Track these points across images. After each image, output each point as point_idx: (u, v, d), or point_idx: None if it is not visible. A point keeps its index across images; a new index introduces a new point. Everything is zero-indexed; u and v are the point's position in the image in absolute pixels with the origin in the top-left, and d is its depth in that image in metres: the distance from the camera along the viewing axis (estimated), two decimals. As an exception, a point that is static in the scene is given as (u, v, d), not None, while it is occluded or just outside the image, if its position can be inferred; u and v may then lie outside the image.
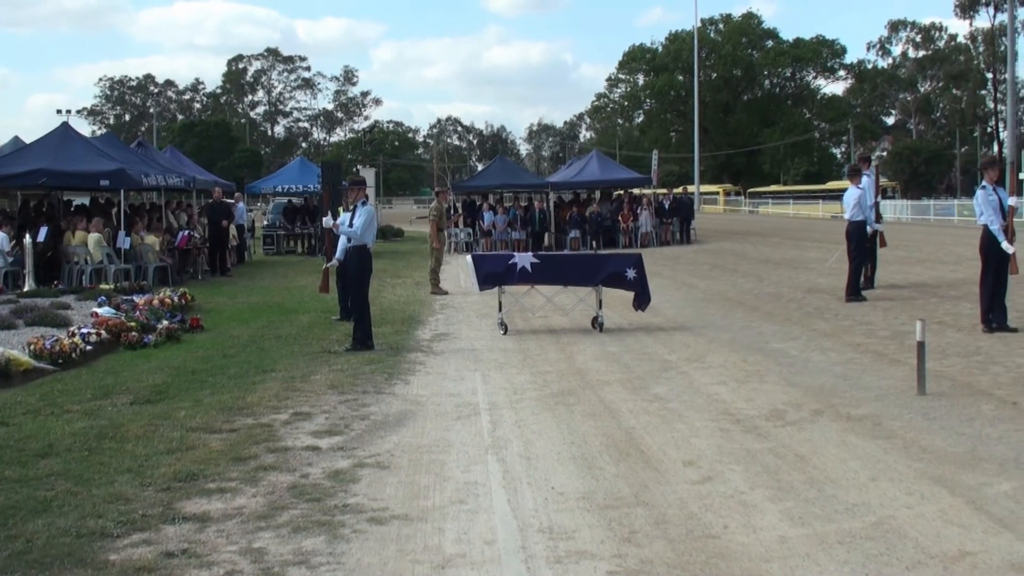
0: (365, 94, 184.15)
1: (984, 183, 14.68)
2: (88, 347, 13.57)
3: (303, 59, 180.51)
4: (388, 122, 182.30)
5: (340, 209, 16.50)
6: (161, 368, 12.62)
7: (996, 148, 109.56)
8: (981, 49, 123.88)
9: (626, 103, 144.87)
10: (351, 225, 14.42)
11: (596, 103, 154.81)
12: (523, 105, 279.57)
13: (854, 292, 18.55)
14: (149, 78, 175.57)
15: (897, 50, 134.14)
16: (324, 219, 16.16)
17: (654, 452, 8.32)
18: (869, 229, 19.23)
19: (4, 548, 6.13)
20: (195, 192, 32.31)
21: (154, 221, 26.88)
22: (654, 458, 8.14)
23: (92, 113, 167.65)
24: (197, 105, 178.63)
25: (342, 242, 15.24)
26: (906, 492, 7.06)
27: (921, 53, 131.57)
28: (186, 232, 27.45)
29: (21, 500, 7.07)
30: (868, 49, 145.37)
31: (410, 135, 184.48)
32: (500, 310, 16.03)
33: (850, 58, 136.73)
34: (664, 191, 50.37)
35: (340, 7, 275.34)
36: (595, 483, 7.46)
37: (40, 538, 6.28)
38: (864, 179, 19.20)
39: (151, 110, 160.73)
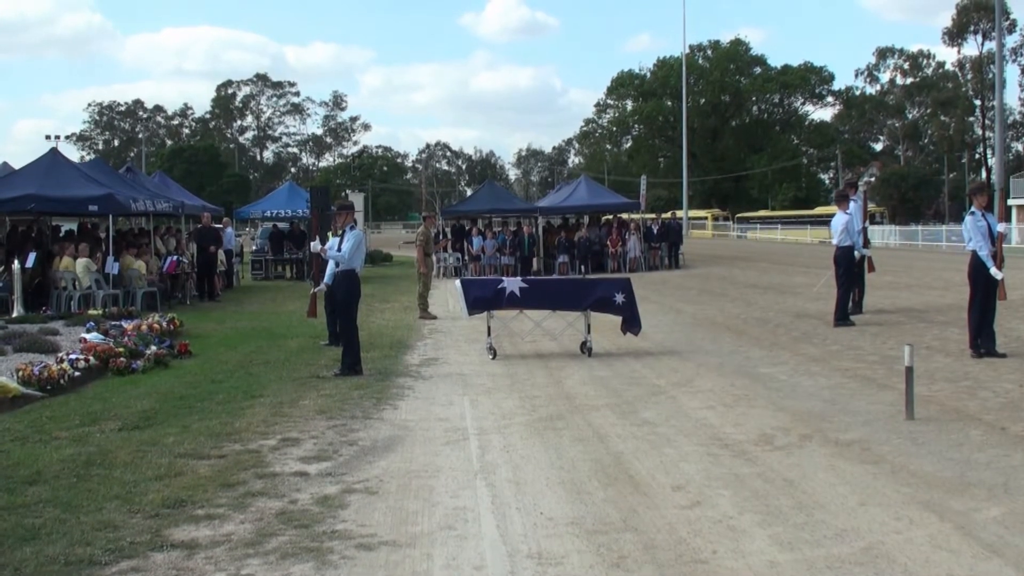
0: (354, 119, 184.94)
1: (973, 209, 14.71)
2: (76, 373, 13.52)
3: (292, 84, 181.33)
4: (377, 147, 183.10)
5: (329, 234, 16.50)
6: (149, 394, 12.59)
7: (984, 174, 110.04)
8: (969, 76, 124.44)
9: (615, 128, 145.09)
10: (339, 250, 14.43)
11: (584, 128, 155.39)
12: (512, 130, 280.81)
13: (842, 317, 18.59)
14: (138, 103, 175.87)
15: (885, 77, 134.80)
16: (312, 244, 16.17)
17: (643, 477, 8.32)
18: (857, 254, 19.29)
19: (-9, 575, 6.11)
20: (184, 217, 32.28)
21: (143, 246, 26.85)
22: (643, 483, 8.14)
23: (81, 139, 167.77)
24: (186, 130, 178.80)
25: (330, 267, 15.25)
26: (895, 517, 7.07)
27: (909, 80, 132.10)
28: (174, 257, 27.42)
29: (9, 528, 7.04)
30: (856, 76, 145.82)
31: (399, 160, 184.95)
32: (489, 335, 16.03)
33: (838, 84, 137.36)
34: (652, 216, 50.50)
35: (329, 33, 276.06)
36: (584, 508, 7.45)
37: (28, 566, 6.26)
38: (851, 204, 19.27)
39: (140, 135, 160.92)
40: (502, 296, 15.80)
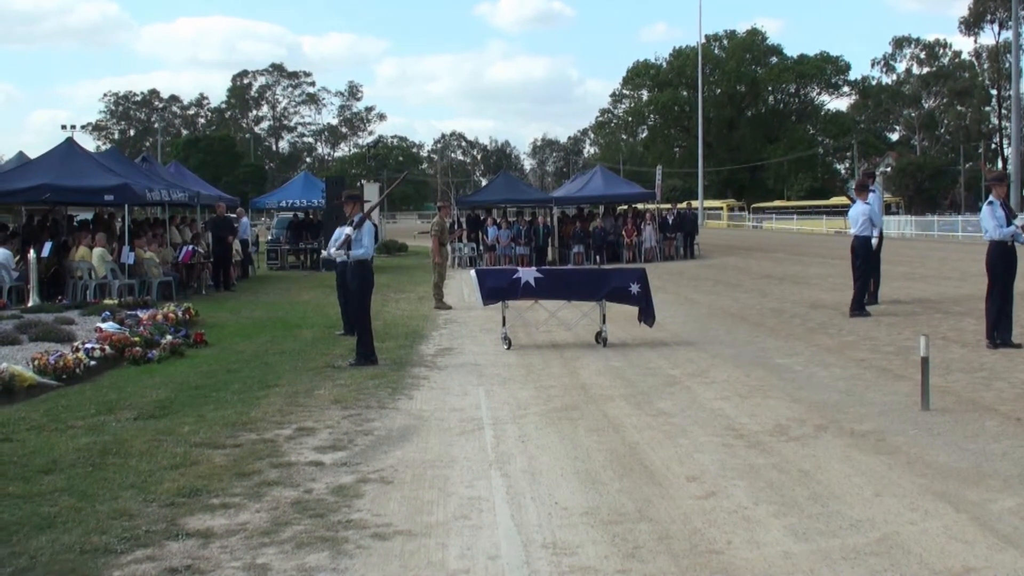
0: (369, 109, 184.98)
1: (991, 198, 14.64)
2: (92, 362, 13.56)
3: (308, 74, 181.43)
4: (392, 137, 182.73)
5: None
6: (165, 383, 12.62)
7: (1000, 164, 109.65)
8: (985, 66, 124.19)
9: (630, 118, 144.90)
10: (346, 240, 14.34)
11: (600, 118, 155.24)
12: (527, 120, 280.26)
13: (859, 307, 18.53)
14: (154, 93, 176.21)
15: (901, 66, 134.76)
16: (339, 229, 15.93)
17: (658, 467, 8.32)
18: (874, 243, 19.18)
19: (8, 565, 6.13)
20: (199, 207, 32.33)
21: (158, 236, 26.93)
22: (658, 473, 8.13)
23: (96, 128, 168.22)
24: (201, 120, 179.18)
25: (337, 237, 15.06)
26: (910, 508, 7.05)
27: (925, 69, 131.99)
28: (190, 247, 27.47)
29: (25, 516, 7.07)
30: (872, 65, 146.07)
31: (414, 150, 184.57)
32: (504, 325, 16.02)
33: (854, 74, 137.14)
34: (668, 206, 50.38)
35: (344, 23, 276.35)
36: (599, 498, 7.46)
37: (44, 554, 6.28)
38: (871, 195, 19.17)
39: (156, 125, 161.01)
40: (517, 286, 15.79)
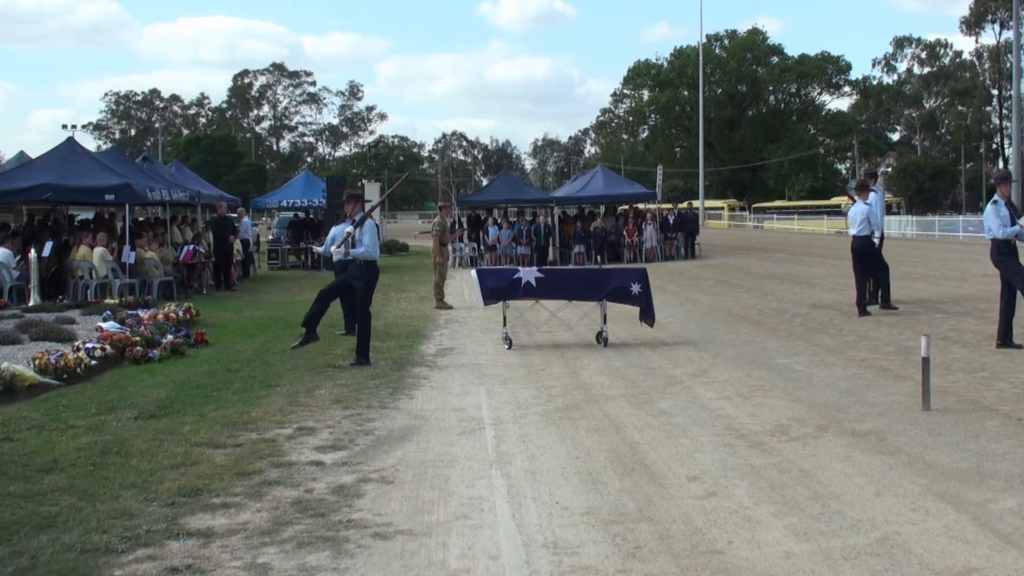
0: (370, 109, 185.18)
1: (996, 198, 14.63)
2: (93, 362, 13.55)
3: (308, 74, 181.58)
4: (393, 137, 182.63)
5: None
6: (165, 383, 12.61)
7: (1001, 164, 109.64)
8: (986, 66, 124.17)
9: (631, 118, 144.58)
10: (352, 245, 14.31)
11: (601, 118, 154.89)
12: (528, 120, 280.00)
13: (863, 307, 18.51)
14: (155, 93, 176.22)
15: (902, 66, 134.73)
16: (335, 228, 15.92)
17: (659, 467, 8.31)
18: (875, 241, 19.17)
19: (9, 564, 6.13)
20: (200, 207, 32.30)
21: (159, 235, 26.92)
22: (659, 473, 8.13)
23: (97, 128, 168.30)
24: (202, 120, 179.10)
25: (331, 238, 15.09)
26: (911, 508, 7.05)
27: (926, 69, 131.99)
28: (191, 247, 27.46)
29: (26, 516, 7.06)
30: (873, 65, 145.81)
31: (415, 150, 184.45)
32: (504, 325, 16.02)
33: (855, 74, 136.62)
34: (669, 206, 50.35)
35: (346, 23, 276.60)
36: (600, 498, 7.45)
37: (44, 554, 6.28)
38: (872, 195, 19.14)
39: (156, 125, 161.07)
40: (518, 286, 15.79)
